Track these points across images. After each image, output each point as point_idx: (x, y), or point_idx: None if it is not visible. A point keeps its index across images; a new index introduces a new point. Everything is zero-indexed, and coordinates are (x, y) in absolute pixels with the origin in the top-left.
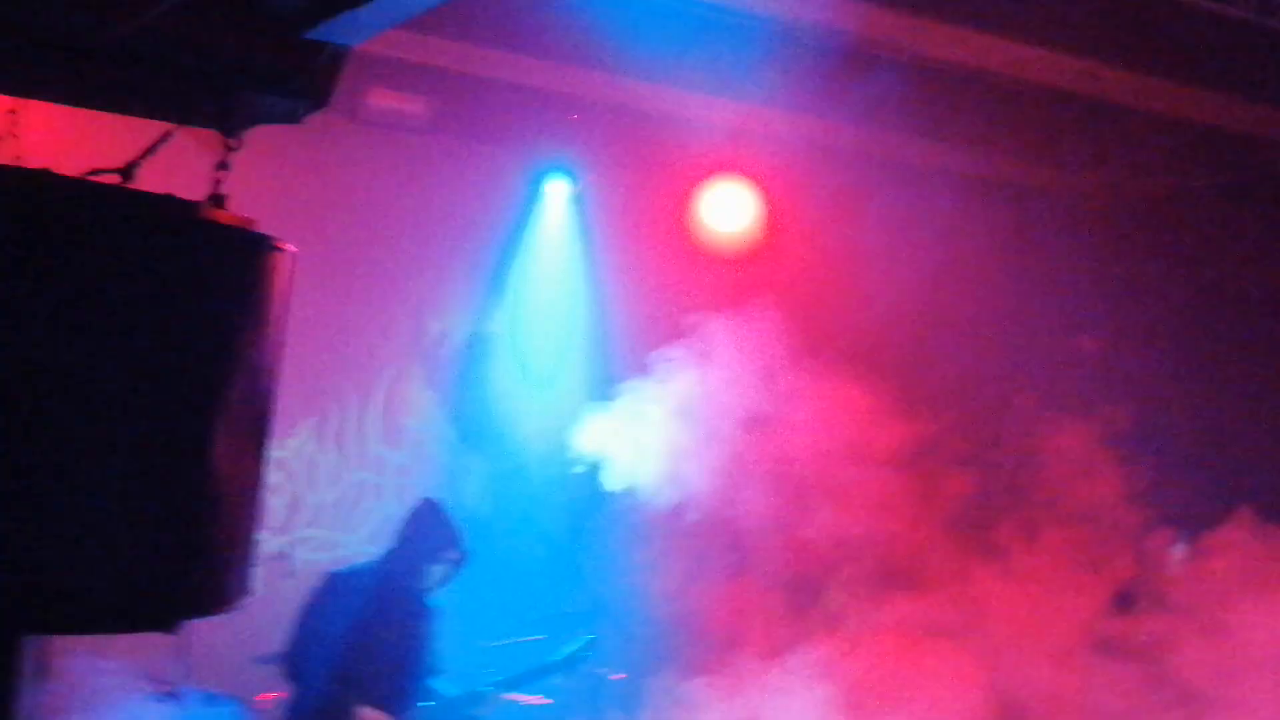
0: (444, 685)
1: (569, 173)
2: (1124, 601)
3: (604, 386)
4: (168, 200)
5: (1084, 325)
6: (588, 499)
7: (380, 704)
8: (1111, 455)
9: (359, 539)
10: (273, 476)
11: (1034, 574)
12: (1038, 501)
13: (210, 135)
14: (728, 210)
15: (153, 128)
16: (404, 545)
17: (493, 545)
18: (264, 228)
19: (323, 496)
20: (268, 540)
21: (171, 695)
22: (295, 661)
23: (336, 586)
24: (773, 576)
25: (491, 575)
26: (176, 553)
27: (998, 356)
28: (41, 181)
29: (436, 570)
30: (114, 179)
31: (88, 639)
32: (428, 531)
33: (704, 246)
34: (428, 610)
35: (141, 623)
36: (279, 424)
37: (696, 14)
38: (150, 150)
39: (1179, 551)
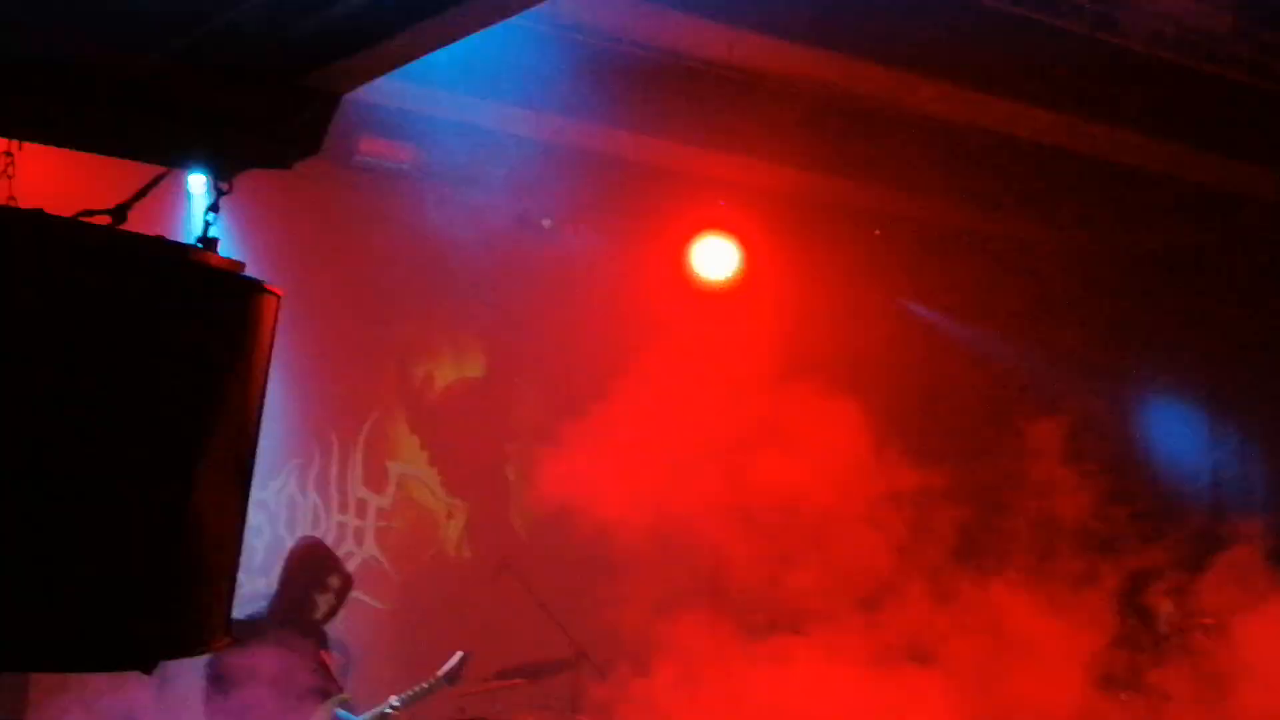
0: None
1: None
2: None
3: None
4: (158, 242)
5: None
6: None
7: None
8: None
9: None
10: (254, 517)
11: (1025, 601)
12: (1028, 534)
13: (201, 179)
14: (715, 260)
15: (145, 170)
16: (292, 581)
17: (473, 590)
18: (253, 271)
19: None
20: (248, 582)
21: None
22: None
23: (243, 634)
24: (751, 605)
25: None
26: (156, 593)
27: (989, 402)
28: (34, 222)
29: (324, 599)
30: (105, 220)
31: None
32: (311, 565)
33: (691, 294)
34: (325, 637)
35: (120, 662)
36: (261, 465)
37: (683, 67)
38: (142, 193)
39: (1169, 601)
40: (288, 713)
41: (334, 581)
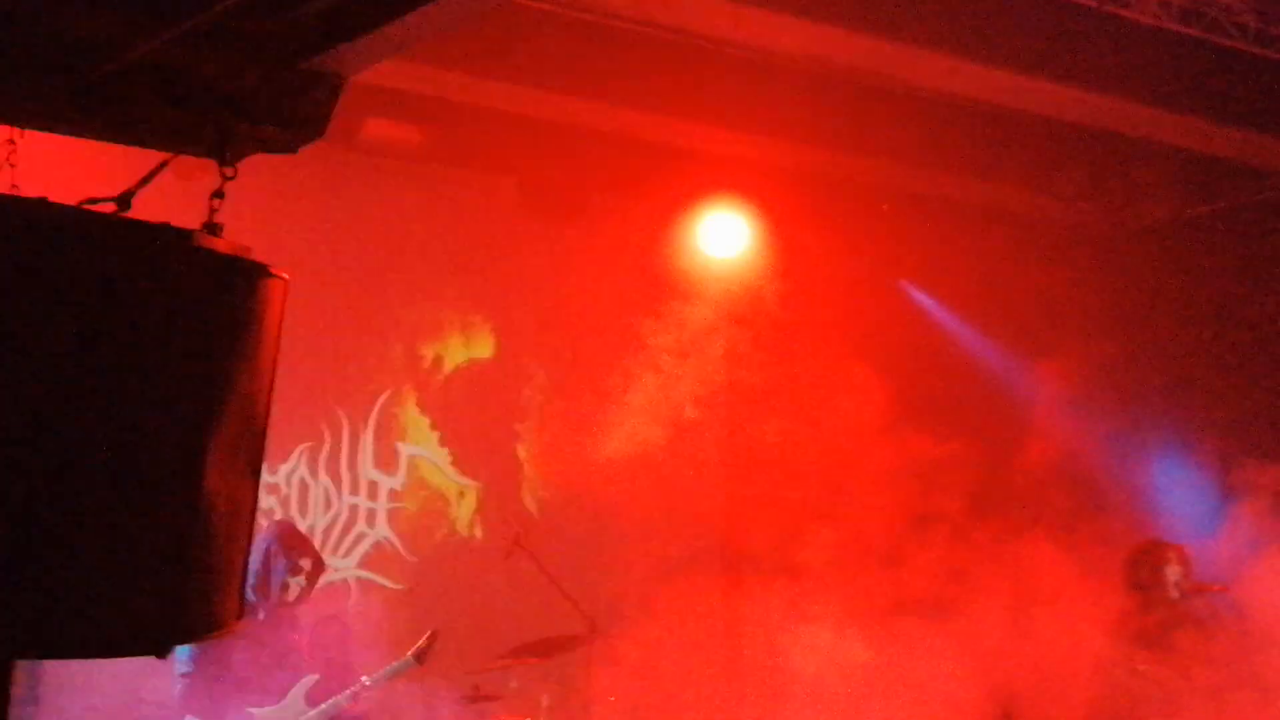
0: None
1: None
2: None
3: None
4: (163, 228)
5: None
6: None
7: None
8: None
9: (351, 563)
10: (266, 501)
11: (1033, 564)
12: (1033, 495)
13: (206, 164)
14: (722, 235)
15: (149, 157)
16: (264, 565)
17: (486, 569)
18: (259, 255)
19: (315, 521)
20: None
21: None
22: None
23: None
24: (759, 568)
25: (486, 601)
26: (168, 577)
27: (994, 380)
28: (38, 210)
29: (295, 582)
30: (110, 207)
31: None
32: (284, 548)
33: (697, 273)
34: (297, 619)
35: (133, 647)
36: (272, 448)
37: (693, 45)
38: (147, 179)
39: (1177, 568)
40: (257, 694)
41: (306, 564)
